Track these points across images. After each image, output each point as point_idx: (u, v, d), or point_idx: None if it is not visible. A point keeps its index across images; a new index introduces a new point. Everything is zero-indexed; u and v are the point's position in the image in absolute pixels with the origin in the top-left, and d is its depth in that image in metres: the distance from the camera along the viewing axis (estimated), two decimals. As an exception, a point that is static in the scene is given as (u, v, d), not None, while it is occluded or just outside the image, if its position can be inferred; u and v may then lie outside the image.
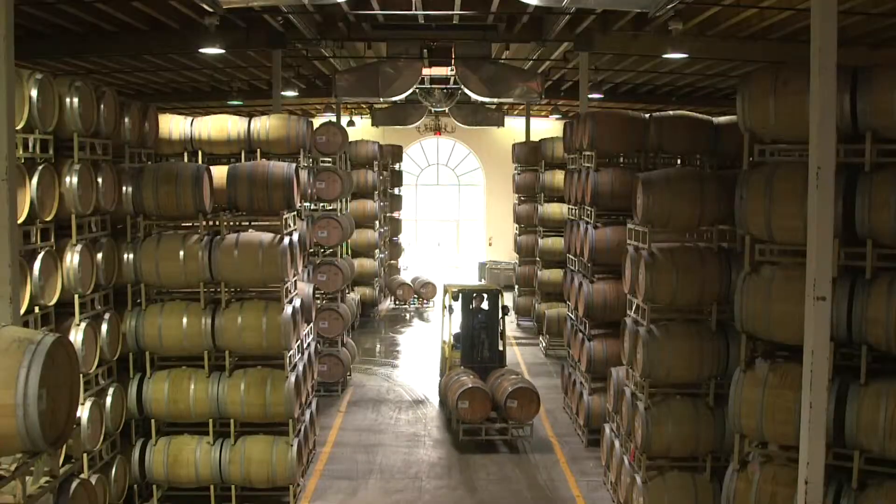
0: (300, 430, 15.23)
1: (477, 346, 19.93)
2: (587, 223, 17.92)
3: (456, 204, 49.22)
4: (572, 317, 19.80)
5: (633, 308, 14.06)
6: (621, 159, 18.32)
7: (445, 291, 20.81)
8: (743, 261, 11.21)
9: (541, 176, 28.47)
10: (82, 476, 7.60)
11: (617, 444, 14.84)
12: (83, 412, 12.46)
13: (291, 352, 14.64)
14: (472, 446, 17.94)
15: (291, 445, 14.42)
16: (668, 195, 13.36)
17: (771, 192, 10.49)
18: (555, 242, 26.74)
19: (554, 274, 26.48)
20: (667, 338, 13.11)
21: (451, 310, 20.26)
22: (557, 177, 26.98)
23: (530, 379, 22.79)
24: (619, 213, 17.24)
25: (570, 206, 20.69)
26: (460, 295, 20.18)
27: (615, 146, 17.88)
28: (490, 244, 46.47)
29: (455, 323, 20.46)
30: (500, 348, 20.18)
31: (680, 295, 13.16)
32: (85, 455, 12.50)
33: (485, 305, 20.30)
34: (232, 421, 14.39)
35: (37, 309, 11.64)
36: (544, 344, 27.08)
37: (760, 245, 10.94)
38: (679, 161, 17.75)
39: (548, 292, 27.31)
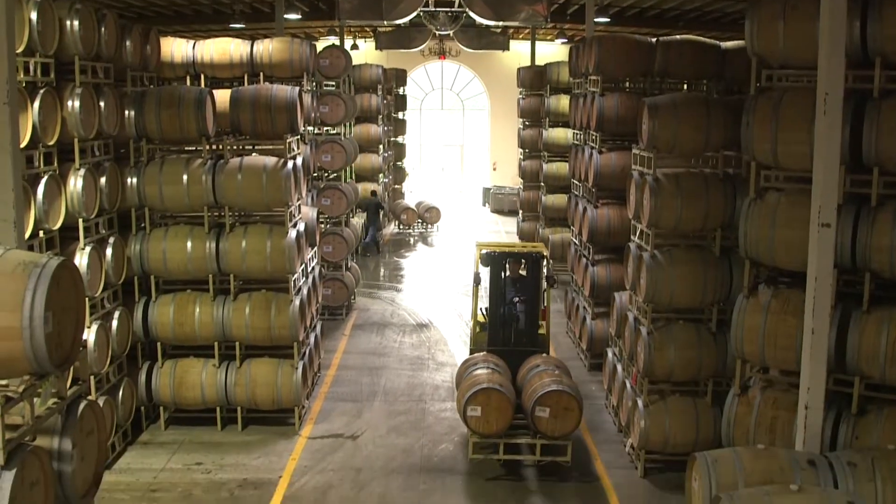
0: (305, 353, 15.36)
1: (509, 324, 14.75)
2: (592, 148, 17.84)
3: (460, 129, 48.92)
4: (576, 242, 19.82)
5: (637, 233, 14.06)
6: (627, 84, 18.17)
7: (478, 253, 15.24)
8: (748, 187, 11.18)
9: (546, 101, 28.25)
10: (90, 398, 7.67)
11: (619, 368, 14.95)
12: (89, 335, 12.56)
13: (296, 276, 14.70)
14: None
15: (296, 368, 14.55)
16: (674, 120, 13.26)
17: (778, 118, 10.41)
18: (559, 167, 26.63)
19: (558, 199, 26.43)
20: (670, 263, 13.13)
21: (478, 280, 15.26)
22: (563, 102, 26.78)
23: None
24: (625, 139, 17.19)
25: (575, 131, 20.59)
26: (491, 259, 14.73)
27: (621, 71, 17.72)
28: (494, 169, 46.33)
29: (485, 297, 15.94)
30: (542, 331, 15.09)
31: (684, 220, 13.14)
32: (92, 377, 12.64)
33: (523, 272, 15.42)
34: (237, 344, 14.51)
35: (41, 233, 11.68)
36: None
37: (766, 171, 10.90)
38: (685, 86, 17.61)
39: (552, 217, 27.26)
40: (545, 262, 15.03)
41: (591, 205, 17.89)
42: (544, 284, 15.03)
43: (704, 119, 13.22)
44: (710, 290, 13.10)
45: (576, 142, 20.50)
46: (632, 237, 14.37)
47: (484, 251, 14.89)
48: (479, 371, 13.55)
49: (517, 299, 14.79)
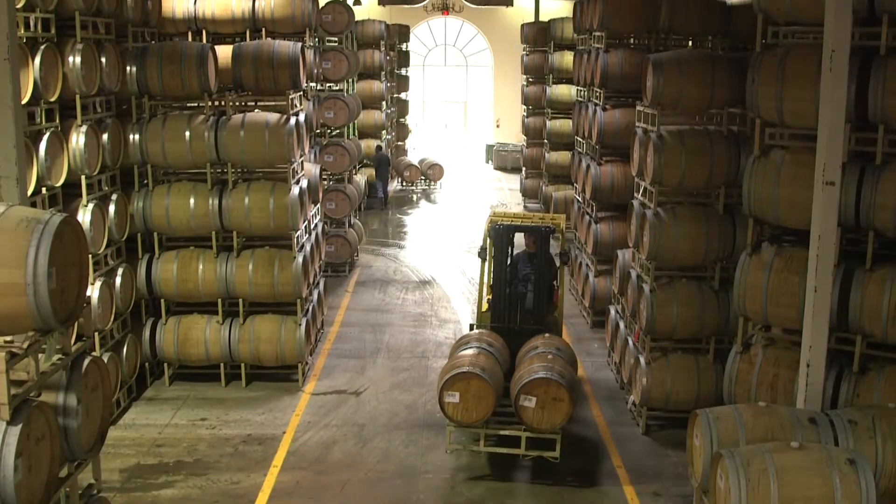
0: (308, 309, 15.40)
1: (514, 302, 13.48)
2: (596, 105, 17.77)
3: (463, 85, 48.71)
4: (579, 199, 19.80)
5: (641, 191, 14.03)
6: (632, 40, 18.05)
7: (487, 226, 13.95)
8: (752, 144, 11.14)
9: (550, 57, 28.10)
10: (94, 354, 7.71)
11: (621, 325, 14.99)
12: (93, 291, 12.59)
13: (299, 232, 14.70)
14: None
15: (300, 325, 14.59)
16: (679, 77, 13.19)
17: (783, 75, 10.35)
18: (563, 124, 26.53)
19: (561, 156, 26.39)
20: (673, 221, 13.11)
21: (484, 255, 13.89)
22: (566, 58, 26.60)
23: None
24: (629, 95, 17.10)
25: (579, 88, 20.51)
26: (495, 232, 13.43)
27: (626, 27, 17.60)
28: (498, 126, 46.18)
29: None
30: (551, 312, 13.79)
31: (688, 178, 13.11)
32: (96, 334, 12.69)
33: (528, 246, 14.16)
34: (240, 300, 14.55)
35: (44, 190, 11.66)
36: (551, 226, 27.06)
37: (770, 129, 10.84)
38: (690, 43, 17.49)
39: (555, 175, 27.23)
40: (558, 237, 13.98)
41: (594, 162, 17.85)
42: (556, 261, 14.00)
43: (709, 76, 13.15)
44: (713, 248, 13.09)
45: (579, 99, 20.43)
46: (635, 194, 14.35)
47: (493, 222, 13.70)
48: (465, 351, 12.28)
49: (525, 276, 13.64)
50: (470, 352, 12.22)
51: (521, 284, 13.60)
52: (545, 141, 28.20)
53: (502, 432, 11.89)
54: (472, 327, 13.70)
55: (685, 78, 13.18)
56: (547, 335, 12.86)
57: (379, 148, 30.26)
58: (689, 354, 13.40)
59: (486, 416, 11.62)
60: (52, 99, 11.91)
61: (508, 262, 13.45)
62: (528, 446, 11.73)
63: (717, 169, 13.02)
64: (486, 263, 13.87)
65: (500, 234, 13.37)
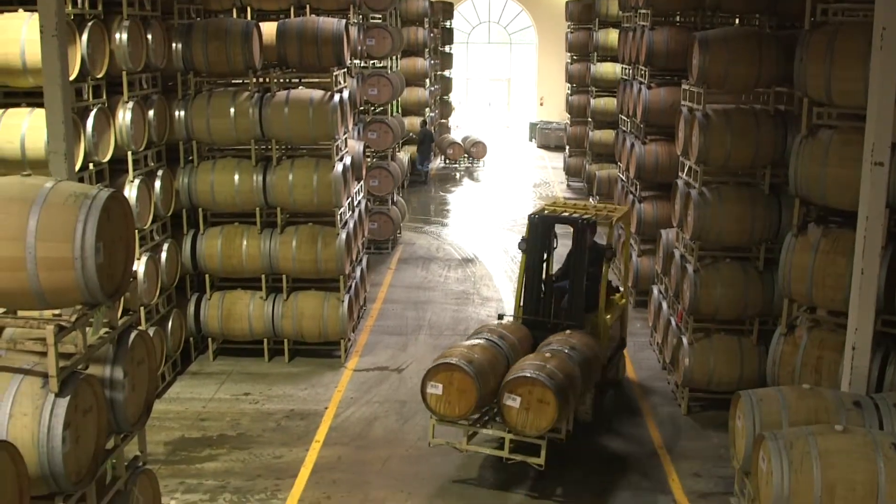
0: (351, 286, 15.47)
1: (548, 296, 12.72)
2: (641, 83, 17.63)
3: (507, 63, 48.52)
4: (623, 178, 19.69)
5: (686, 170, 13.93)
6: (678, 17, 17.86)
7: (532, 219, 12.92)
8: (800, 124, 11.01)
9: (594, 34, 27.88)
10: (140, 328, 7.81)
11: (664, 305, 14.91)
12: (139, 266, 12.72)
13: (342, 209, 14.75)
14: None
15: (342, 301, 14.67)
16: (726, 55, 13.04)
17: (832, 53, 10.20)
18: (607, 103, 26.36)
19: (605, 135, 26.22)
20: (718, 200, 13.01)
21: (522, 246, 12.82)
22: (611, 35, 26.38)
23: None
24: (674, 74, 16.95)
25: (624, 66, 20.34)
26: (530, 222, 12.76)
27: (672, 4, 17.41)
28: (541, 104, 45.98)
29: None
30: (592, 311, 12.69)
31: (733, 157, 12.99)
32: (142, 308, 12.83)
33: (598, 240, 13.39)
34: (284, 277, 14.64)
35: (91, 166, 11.79)
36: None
37: (818, 108, 10.71)
38: (737, 20, 17.27)
39: (599, 153, 27.07)
40: (599, 231, 13.09)
41: (638, 141, 17.73)
42: (596, 257, 12.76)
43: (756, 54, 12.99)
44: (759, 229, 12.98)
45: (624, 77, 20.28)
46: (680, 174, 14.25)
47: (533, 214, 12.90)
48: (468, 342, 11.58)
49: (564, 270, 13.10)
50: (471, 342, 11.46)
51: (566, 280, 12.87)
52: (589, 119, 28.03)
53: (485, 431, 11.18)
54: (500, 317, 12.88)
55: (732, 56, 13.04)
56: (569, 332, 11.92)
57: (424, 123, 30.26)
58: (732, 335, 13.31)
59: (468, 412, 10.77)
60: (99, 75, 12.03)
61: (546, 254, 12.75)
62: (517, 449, 10.84)
63: (763, 148, 12.89)
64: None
65: (535, 224, 12.73)
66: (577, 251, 12.60)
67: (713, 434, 12.62)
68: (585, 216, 12.85)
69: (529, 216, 12.86)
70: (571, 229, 12.64)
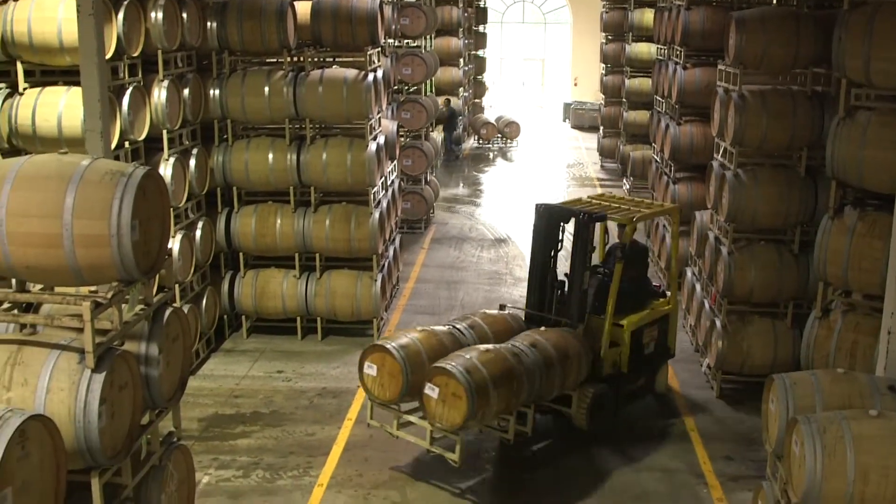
0: (384, 265, 15.50)
1: (550, 290, 12.33)
2: (676, 63, 17.50)
3: (541, 42, 48.33)
4: (657, 159, 19.58)
5: (721, 151, 13.83)
6: (715, -3, 17.72)
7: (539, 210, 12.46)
8: (837, 105, 10.89)
9: (629, 14, 27.68)
10: (175, 305, 7.87)
11: (698, 287, 14.84)
12: (174, 244, 12.82)
13: (376, 188, 14.78)
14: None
15: (375, 280, 14.71)
16: (763, 35, 12.91)
17: (871, 34, 10.07)
18: (642, 83, 26.19)
19: (640, 115, 26.08)
20: (754, 182, 12.91)
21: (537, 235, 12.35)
22: (647, 15, 26.18)
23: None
24: (710, 54, 16.80)
25: (659, 46, 20.20)
26: (536, 211, 12.35)
27: (708, -17, 17.26)
28: (576, 84, 45.76)
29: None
30: (598, 313, 12.03)
31: (769, 139, 12.88)
32: (177, 286, 12.93)
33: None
34: (317, 255, 14.71)
35: (127, 144, 11.88)
36: (628, 186, 26.84)
37: (857, 89, 10.58)
38: (774, 0, 17.09)
39: (633, 134, 26.94)
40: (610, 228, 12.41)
41: (673, 122, 17.61)
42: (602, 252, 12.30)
43: (794, 34, 12.85)
44: (794, 211, 12.88)
45: (659, 57, 20.13)
46: (715, 155, 14.15)
47: (540, 205, 12.35)
48: (427, 328, 11.33)
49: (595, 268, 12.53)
50: (430, 328, 11.27)
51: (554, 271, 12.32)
52: (624, 100, 27.87)
53: (410, 418, 10.86)
54: (501, 307, 12.52)
55: (769, 36, 12.90)
56: (542, 329, 11.53)
57: (448, 101, 30.23)
58: (766, 318, 13.23)
59: (397, 396, 10.57)
60: (135, 54, 12.09)
61: (555, 248, 12.25)
62: (436, 441, 10.58)
63: (799, 130, 12.77)
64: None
65: (540, 215, 12.25)
66: (577, 246, 11.94)
67: (745, 417, 12.58)
68: (588, 209, 12.13)
69: (536, 206, 12.40)
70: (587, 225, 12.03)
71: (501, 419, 10.86)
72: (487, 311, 12.36)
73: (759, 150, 13.21)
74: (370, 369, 10.73)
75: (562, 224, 12.44)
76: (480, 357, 10.27)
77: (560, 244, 12.38)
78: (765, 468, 9.14)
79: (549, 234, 12.26)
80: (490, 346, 10.69)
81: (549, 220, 12.26)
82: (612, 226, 13.11)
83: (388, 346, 10.57)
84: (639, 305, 12.53)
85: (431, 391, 10.11)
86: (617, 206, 12.69)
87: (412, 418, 10.79)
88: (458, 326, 11.47)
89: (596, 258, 12.92)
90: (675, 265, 13.44)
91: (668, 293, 13.22)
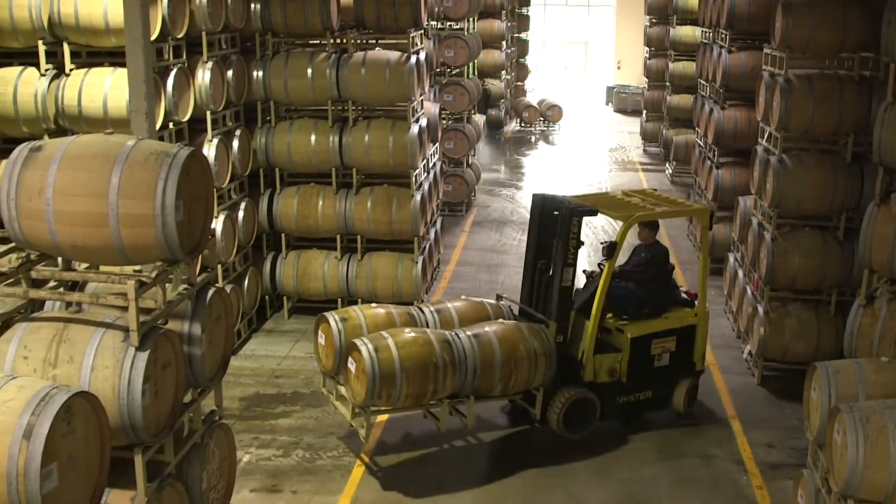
0: (425, 248, 15.52)
1: (538, 281, 11.86)
2: (721, 47, 17.33)
3: (585, 25, 48.03)
4: (701, 143, 19.44)
5: (765, 136, 13.69)
6: (761, -21, 17.51)
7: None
8: (885, 90, 10.72)
9: (675, -3, 27.46)
10: (218, 285, 7.94)
11: (740, 273, 14.73)
12: (217, 224, 12.91)
13: (417, 171, 14.79)
14: None
15: (416, 263, 14.74)
16: (810, 19, 12.75)
17: (921, 18, 9.92)
18: (686, 67, 25.98)
19: (683, 99, 25.89)
20: (799, 168, 12.78)
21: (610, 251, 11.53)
22: (692, -2, 25.98)
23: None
24: (756, 38, 16.63)
25: (704, 29, 20.02)
26: (535, 203, 12.01)
27: (755, -35, 17.07)
28: (619, 68, 45.48)
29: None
30: (568, 305, 11.44)
31: (815, 124, 12.74)
32: (219, 266, 13.03)
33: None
34: (358, 237, 14.75)
35: (171, 125, 11.97)
36: (671, 171, 26.69)
37: (905, 74, 10.43)
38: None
39: (676, 118, 26.76)
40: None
41: (717, 106, 17.46)
42: (572, 242, 11.27)
43: (842, 18, 12.67)
44: (839, 197, 12.73)
45: (704, 40, 19.95)
46: (759, 140, 14.02)
47: (537, 194, 12.10)
48: (387, 306, 11.50)
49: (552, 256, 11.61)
50: (388, 307, 11.42)
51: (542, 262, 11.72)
52: (667, 83, 27.67)
53: (341, 388, 10.89)
54: (498, 297, 12.32)
55: (816, 20, 12.74)
56: (502, 321, 11.31)
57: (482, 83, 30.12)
58: (809, 306, 13.11)
59: (332, 368, 10.82)
60: (180, 35, 12.17)
61: (557, 241, 11.38)
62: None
63: (846, 115, 12.60)
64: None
65: (535, 204, 11.93)
66: (560, 239, 11.30)
67: (787, 405, 12.49)
68: (572, 203, 11.50)
69: (532, 196, 12.14)
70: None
71: (432, 405, 10.73)
72: (469, 297, 12.21)
73: (805, 136, 13.06)
74: (321, 338, 11.05)
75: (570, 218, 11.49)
76: (398, 339, 10.30)
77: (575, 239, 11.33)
78: (806, 457, 9.09)
79: (542, 226, 11.83)
80: (418, 330, 10.66)
81: (542, 210, 11.86)
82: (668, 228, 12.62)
83: (329, 317, 10.90)
84: (655, 312, 11.81)
85: (351, 365, 10.28)
86: (642, 202, 11.97)
87: (344, 390, 10.78)
88: (423, 308, 11.57)
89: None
90: (703, 272, 12.27)
91: (696, 302, 12.18)
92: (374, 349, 10.05)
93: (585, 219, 11.49)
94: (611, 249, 11.43)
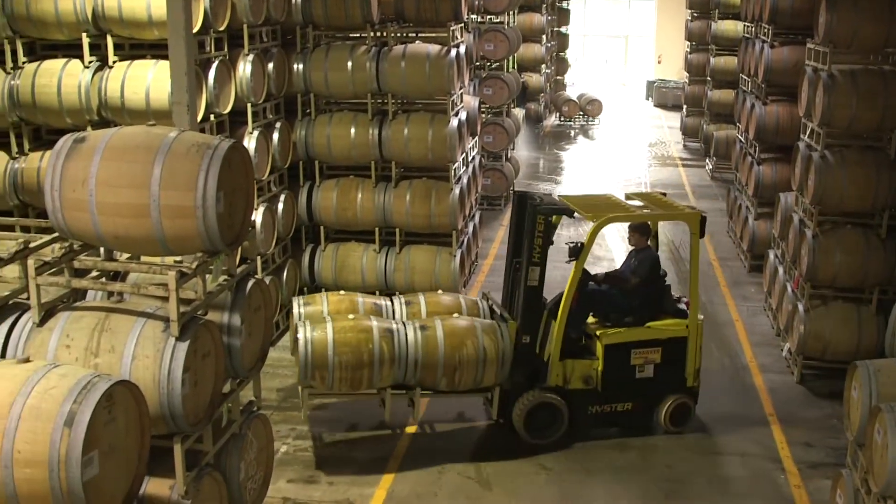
0: (463, 241, 15.52)
1: (512, 280, 11.72)
2: (763, 42, 17.18)
3: (625, 19, 47.75)
4: (741, 139, 19.29)
5: (808, 132, 13.56)
6: (805, -26, 17.35)
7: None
8: (931, 86, 10.61)
9: (717, -9, 27.26)
10: (257, 276, 7.99)
11: (780, 270, 14.61)
12: (257, 216, 12.99)
13: (456, 164, 14.78)
14: None
15: (454, 256, 14.74)
16: (854, 14, 12.61)
17: (969, 13, 9.78)
18: (727, 62, 25.80)
19: (725, 94, 25.70)
20: (841, 164, 12.64)
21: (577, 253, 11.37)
22: (734, -8, 25.78)
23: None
24: (799, 32, 16.49)
25: (746, 24, 19.84)
26: (513, 199, 11.87)
27: (799, -41, 16.91)
28: (659, 62, 45.19)
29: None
30: (536, 305, 11.20)
31: (859, 120, 12.60)
32: (259, 257, 13.11)
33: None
34: (397, 230, 14.77)
35: (212, 117, 12.06)
36: (711, 166, 26.52)
37: (952, 70, 10.30)
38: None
39: (717, 113, 26.58)
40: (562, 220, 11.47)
41: (759, 101, 17.32)
42: (540, 241, 11.07)
43: (887, 13, 12.52)
44: (883, 194, 12.58)
45: (746, 35, 19.79)
46: (801, 136, 13.89)
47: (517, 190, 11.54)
48: (355, 294, 11.59)
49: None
50: (356, 295, 11.53)
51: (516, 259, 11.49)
52: (708, 78, 27.49)
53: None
54: (483, 296, 12.13)
55: (861, 14, 12.60)
56: (459, 317, 11.05)
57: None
58: (850, 304, 12.98)
59: (293, 348, 10.82)
60: (221, 28, 12.24)
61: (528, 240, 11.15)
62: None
63: (890, 111, 12.45)
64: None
65: (514, 202, 11.67)
66: (527, 237, 11.08)
67: (826, 404, 12.37)
68: (540, 200, 11.22)
69: (513, 193, 11.66)
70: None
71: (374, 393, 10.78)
72: (443, 292, 12.09)
73: (848, 132, 12.93)
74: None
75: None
76: (337, 324, 10.42)
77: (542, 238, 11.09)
78: (845, 456, 9.00)
79: (518, 224, 11.49)
80: (361, 317, 10.66)
81: (519, 209, 11.51)
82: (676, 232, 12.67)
83: (294, 301, 11.20)
84: (639, 320, 11.26)
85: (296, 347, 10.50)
86: (629, 205, 11.67)
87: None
88: (393, 300, 11.53)
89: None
90: (694, 281, 11.41)
91: (690, 311, 11.46)
92: (310, 332, 10.26)
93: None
94: (576, 251, 11.14)
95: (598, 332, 11.22)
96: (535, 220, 10.93)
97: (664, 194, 12.24)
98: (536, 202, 11.10)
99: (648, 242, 11.74)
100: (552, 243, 11.29)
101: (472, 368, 10.71)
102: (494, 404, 11.10)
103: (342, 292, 11.70)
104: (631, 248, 11.96)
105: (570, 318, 11.09)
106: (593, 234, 11.11)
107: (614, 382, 11.16)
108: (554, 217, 11.30)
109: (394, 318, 11.20)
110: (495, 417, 11.22)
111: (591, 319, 11.50)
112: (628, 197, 12.14)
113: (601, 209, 11.37)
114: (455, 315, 11.13)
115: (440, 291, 12.25)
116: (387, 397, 10.78)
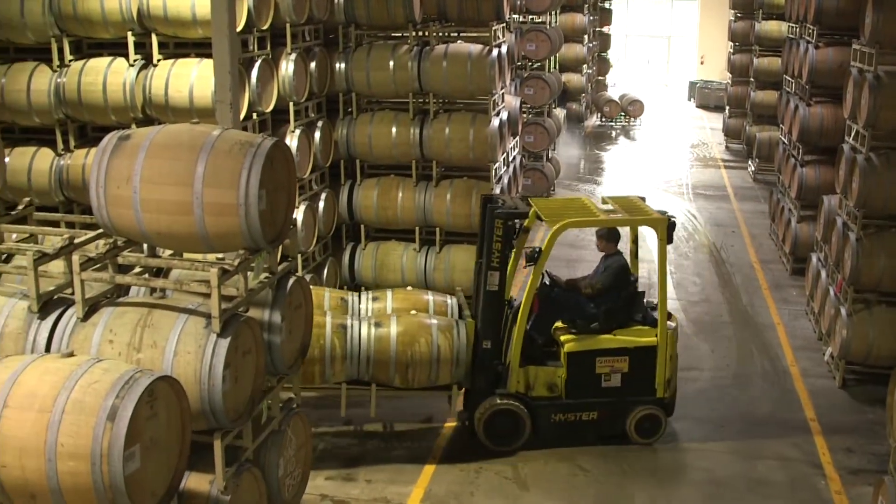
0: (502, 242, 15.50)
1: (479, 278, 11.17)
2: (808, 42, 17.02)
3: (668, 19, 47.48)
4: (785, 141, 19.13)
5: (852, 134, 13.42)
6: (851, -26, 17.16)
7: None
8: (979, 89, 10.47)
9: (761, -9, 27.02)
10: (298, 274, 8.04)
11: (823, 274, 14.47)
12: (298, 214, 13.04)
13: (497, 164, 14.77)
14: None
15: (493, 257, 14.72)
16: (902, 15, 12.49)
17: None
18: (771, 62, 25.56)
19: (768, 96, 25.49)
20: (887, 167, 12.50)
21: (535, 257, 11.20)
22: (779, -8, 25.54)
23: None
24: (844, 33, 16.31)
25: (791, 24, 19.68)
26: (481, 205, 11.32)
27: (845, -40, 16.73)
28: (702, 63, 44.89)
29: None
30: (496, 310, 10.98)
31: (905, 122, 12.47)
32: (299, 255, 13.16)
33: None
34: (437, 230, 14.78)
35: (255, 115, 12.14)
36: (753, 168, 26.31)
37: None
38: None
39: (760, 115, 26.37)
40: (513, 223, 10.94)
41: (803, 102, 17.16)
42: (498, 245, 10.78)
43: (935, 14, 12.39)
44: (929, 198, 12.44)
45: (790, 35, 19.61)
46: (846, 138, 13.76)
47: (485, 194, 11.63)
48: (329, 288, 11.84)
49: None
50: (330, 289, 11.68)
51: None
52: (751, 79, 27.27)
53: None
54: (455, 294, 12.09)
55: (908, 15, 12.47)
56: (416, 314, 10.95)
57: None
58: (894, 308, 12.82)
59: None
60: (264, 27, 12.32)
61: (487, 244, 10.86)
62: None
63: (938, 114, 12.32)
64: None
65: (482, 206, 11.27)
66: (486, 241, 10.85)
67: (868, 409, 12.24)
68: (503, 202, 11.08)
69: (481, 197, 11.55)
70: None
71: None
72: (413, 289, 12.09)
73: (894, 134, 12.78)
74: None
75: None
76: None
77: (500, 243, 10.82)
78: (887, 462, 8.89)
79: (483, 228, 11.15)
80: (316, 314, 10.19)
81: (482, 211, 11.24)
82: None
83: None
84: (606, 328, 11.02)
85: None
86: (602, 212, 11.34)
87: None
88: (361, 295, 11.50)
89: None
90: (662, 289, 11.10)
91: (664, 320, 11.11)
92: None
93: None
94: (534, 256, 10.97)
95: (562, 339, 11.04)
96: (493, 224, 10.71)
97: (643, 199, 11.88)
98: (497, 205, 10.90)
99: (618, 248, 11.58)
100: (513, 248, 11.20)
101: (425, 366, 10.66)
102: (453, 403, 11.11)
103: (312, 287, 11.57)
104: (602, 253, 11.71)
105: (533, 324, 11.04)
106: (551, 240, 10.87)
107: (579, 391, 10.96)
108: (525, 222, 11.31)
109: (359, 314, 11.15)
110: (455, 419, 11.27)
111: (560, 325, 11.32)
112: (604, 201, 11.80)
113: (564, 214, 11.14)
114: (413, 312, 11.04)
115: (409, 288, 12.24)
116: (343, 392, 10.80)
